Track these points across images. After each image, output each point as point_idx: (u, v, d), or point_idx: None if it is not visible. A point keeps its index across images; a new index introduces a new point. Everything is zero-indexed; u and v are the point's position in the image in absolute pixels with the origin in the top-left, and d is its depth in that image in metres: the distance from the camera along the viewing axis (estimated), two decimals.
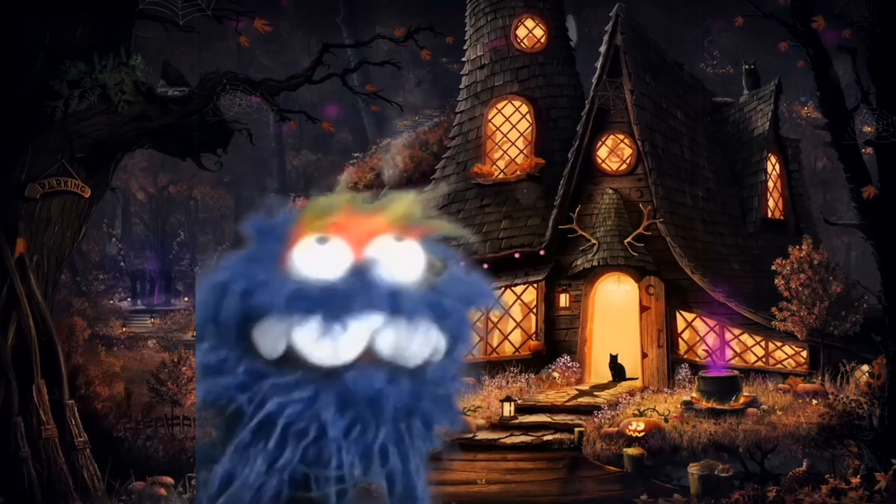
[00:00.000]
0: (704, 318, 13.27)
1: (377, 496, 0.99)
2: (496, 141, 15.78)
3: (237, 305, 0.96)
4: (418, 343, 0.96)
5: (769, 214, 15.78)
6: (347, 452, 0.92)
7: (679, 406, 10.88)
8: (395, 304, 0.95)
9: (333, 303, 0.94)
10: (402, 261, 0.99)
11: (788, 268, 11.85)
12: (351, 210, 1.03)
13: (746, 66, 17.04)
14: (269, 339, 0.94)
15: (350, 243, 0.99)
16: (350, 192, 1.07)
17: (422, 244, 1.02)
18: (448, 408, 1.00)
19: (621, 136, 14.43)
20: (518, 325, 14.31)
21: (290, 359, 0.94)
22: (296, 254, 0.98)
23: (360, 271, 0.97)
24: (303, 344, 0.93)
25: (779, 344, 12.58)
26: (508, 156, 15.60)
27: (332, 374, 0.92)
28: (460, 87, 16.72)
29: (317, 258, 0.97)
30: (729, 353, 13.01)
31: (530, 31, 16.10)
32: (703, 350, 13.14)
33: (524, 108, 15.69)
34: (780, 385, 11.74)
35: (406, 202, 1.04)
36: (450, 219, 1.10)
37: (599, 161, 14.47)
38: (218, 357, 0.97)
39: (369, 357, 0.94)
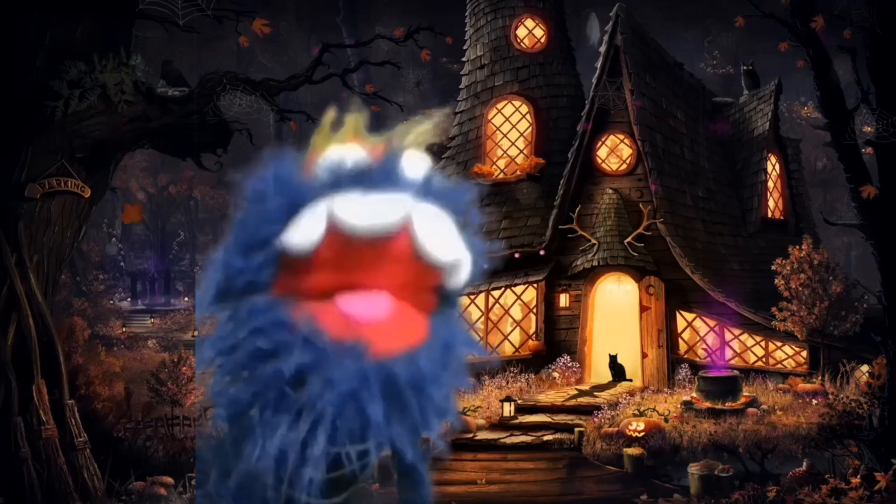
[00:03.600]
0: (704, 318, 13.27)
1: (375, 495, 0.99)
2: (496, 141, 15.78)
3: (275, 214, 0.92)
4: (449, 235, 0.92)
5: (769, 214, 15.80)
6: (387, 434, 0.88)
7: (679, 406, 10.88)
8: (428, 191, 0.93)
9: (369, 178, 0.91)
10: (425, 165, 0.96)
11: (788, 268, 11.85)
12: (358, 134, 1.00)
13: (745, 67, 17.06)
14: (306, 225, 0.90)
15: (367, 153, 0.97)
16: (353, 116, 1.01)
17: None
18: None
19: (621, 136, 14.44)
20: (518, 324, 14.32)
21: (327, 251, 0.89)
22: (316, 165, 0.95)
23: (388, 159, 0.94)
24: (344, 209, 0.89)
25: (779, 344, 12.58)
26: (508, 156, 15.61)
27: (374, 364, 0.88)
28: (460, 87, 16.73)
29: (343, 149, 0.95)
30: (729, 353, 13.01)
31: (530, 31, 16.11)
32: (703, 350, 13.14)
33: (524, 108, 15.70)
34: (780, 385, 11.75)
35: (415, 133, 1.01)
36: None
37: (599, 161, 14.47)
38: (229, 340, 0.91)
39: (407, 237, 0.89)
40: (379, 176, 0.92)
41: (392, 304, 0.90)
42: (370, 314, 0.89)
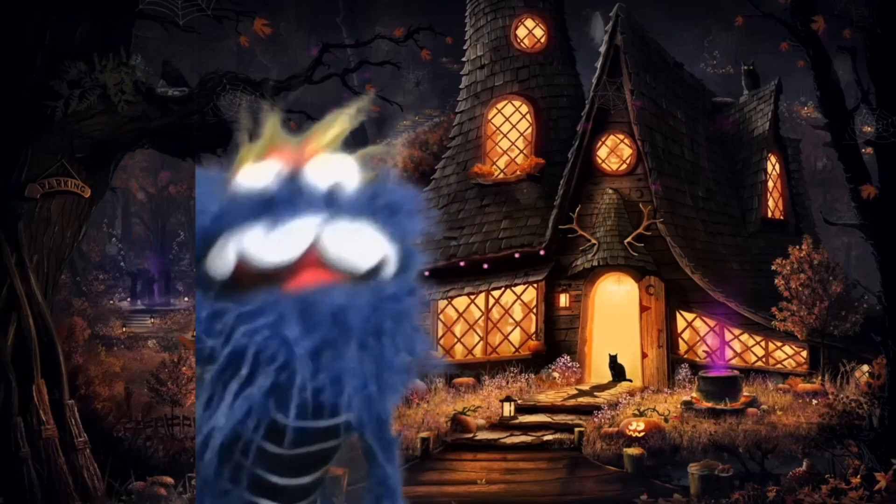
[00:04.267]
0: (704, 318, 13.28)
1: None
2: (496, 141, 15.78)
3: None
4: (364, 244, 0.95)
5: (769, 214, 15.80)
6: (316, 377, 0.88)
7: (679, 406, 10.89)
8: (334, 203, 0.96)
9: (274, 205, 0.95)
10: (336, 169, 1.00)
11: (788, 268, 11.85)
12: (277, 141, 1.03)
13: (745, 67, 17.07)
14: (219, 255, 0.95)
15: (284, 162, 1.01)
16: (272, 125, 1.04)
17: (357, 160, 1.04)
18: (412, 329, 0.97)
19: (621, 136, 14.44)
20: (518, 324, 14.32)
21: (241, 275, 0.94)
22: (235, 181, 1.00)
23: (296, 177, 0.98)
24: (251, 248, 0.93)
25: (779, 344, 12.58)
26: (508, 156, 15.61)
27: (293, 295, 0.91)
28: (460, 87, 16.73)
29: (252, 172, 0.99)
30: (729, 353, 13.02)
31: (530, 31, 16.11)
32: (703, 350, 13.15)
33: (524, 108, 15.70)
34: (780, 385, 11.75)
35: (335, 127, 1.04)
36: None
37: (599, 161, 14.48)
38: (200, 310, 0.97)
39: (317, 258, 0.93)
40: (284, 200, 0.96)
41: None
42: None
